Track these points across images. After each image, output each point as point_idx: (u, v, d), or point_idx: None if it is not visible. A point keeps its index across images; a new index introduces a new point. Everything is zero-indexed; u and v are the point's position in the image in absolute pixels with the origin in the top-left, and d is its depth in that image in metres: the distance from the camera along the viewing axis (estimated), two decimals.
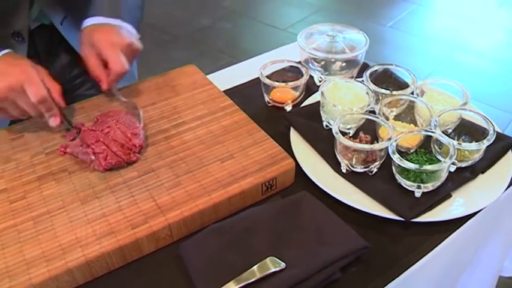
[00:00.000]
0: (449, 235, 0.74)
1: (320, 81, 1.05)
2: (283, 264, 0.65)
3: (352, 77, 1.04)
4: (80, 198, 0.75)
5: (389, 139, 0.77)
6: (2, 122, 0.93)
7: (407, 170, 0.75)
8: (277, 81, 0.97)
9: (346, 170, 0.81)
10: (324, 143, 0.86)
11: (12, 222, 0.72)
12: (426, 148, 0.82)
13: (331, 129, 0.81)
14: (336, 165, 0.82)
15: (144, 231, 0.69)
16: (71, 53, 1.04)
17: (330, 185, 0.79)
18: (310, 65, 1.05)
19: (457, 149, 0.76)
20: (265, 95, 1.01)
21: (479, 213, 0.76)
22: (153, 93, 0.97)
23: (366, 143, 0.82)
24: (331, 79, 0.93)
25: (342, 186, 0.79)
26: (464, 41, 3.01)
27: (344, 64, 1.03)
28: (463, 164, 0.81)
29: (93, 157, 0.79)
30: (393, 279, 0.68)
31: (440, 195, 0.76)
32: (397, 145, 0.77)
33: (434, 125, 0.80)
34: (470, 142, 0.81)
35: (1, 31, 0.92)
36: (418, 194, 0.76)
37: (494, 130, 0.79)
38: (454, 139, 0.79)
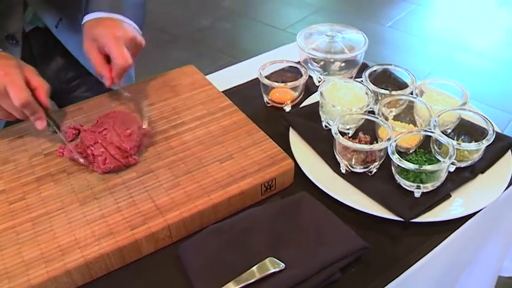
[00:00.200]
0: (448, 235, 0.74)
1: (319, 82, 1.05)
2: (282, 265, 0.65)
3: (351, 77, 1.04)
4: (78, 199, 0.75)
5: (389, 139, 0.77)
6: None
7: (407, 170, 0.75)
8: (276, 82, 0.97)
9: (346, 170, 0.81)
10: (323, 144, 0.86)
11: (11, 224, 0.71)
12: (425, 148, 0.82)
13: (330, 129, 0.80)
14: (335, 166, 0.82)
15: (143, 232, 0.69)
16: (66, 55, 1.03)
17: (329, 185, 0.79)
18: (309, 65, 1.04)
19: (457, 149, 0.76)
20: (264, 96, 1.00)
21: (478, 214, 0.76)
22: (152, 94, 0.97)
23: (365, 143, 0.82)
24: (330, 79, 0.92)
25: (341, 186, 0.79)
26: (464, 41, 3.01)
27: (343, 64, 1.03)
28: (463, 164, 0.81)
29: (84, 160, 0.78)
30: (393, 280, 0.68)
31: (439, 195, 0.76)
32: (396, 145, 0.77)
33: (434, 125, 0.80)
34: (470, 142, 0.81)
35: None
36: (417, 194, 0.76)
37: (493, 130, 0.79)
38: (453, 139, 0.79)
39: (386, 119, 0.86)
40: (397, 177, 0.77)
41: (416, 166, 0.73)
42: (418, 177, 0.75)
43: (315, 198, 0.76)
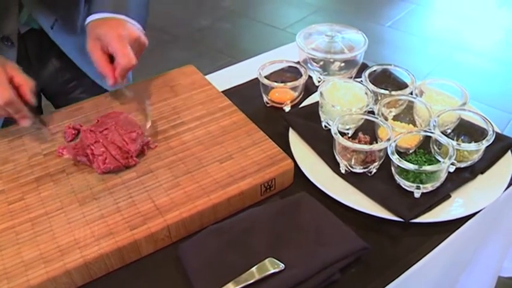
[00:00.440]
0: (448, 236, 0.74)
1: (319, 82, 1.05)
2: (282, 266, 0.65)
3: (351, 77, 1.04)
4: (78, 200, 0.74)
5: (389, 139, 0.77)
6: None
7: (407, 171, 0.75)
8: (275, 82, 0.97)
9: (345, 170, 0.81)
10: (322, 144, 0.86)
11: (10, 224, 0.71)
12: (425, 148, 0.82)
13: (330, 129, 0.80)
14: (335, 166, 0.82)
15: (142, 232, 0.69)
16: (62, 57, 1.02)
17: (329, 185, 0.79)
18: (309, 65, 1.04)
19: (456, 149, 0.76)
20: (264, 96, 1.00)
21: (478, 214, 0.76)
22: (152, 94, 0.97)
23: (365, 143, 0.82)
24: (330, 79, 0.92)
25: (341, 186, 0.79)
26: (464, 41, 3.01)
27: (343, 64, 1.03)
28: (462, 165, 0.81)
29: (87, 159, 0.78)
30: (393, 280, 0.68)
31: (439, 195, 0.76)
32: (396, 145, 0.77)
33: (434, 125, 0.80)
34: (470, 142, 0.81)
35: None
36: (417, 194, 0.76)
37: (493, 130, 0.79)
38: (453, 139, 0.79)
39: (386, 119, 0.86)
40: (396, 177, 0.77)
41: (416, 166, 0.73)
42: (417, 177, 0.75)
43: (314, 199, 0.76)
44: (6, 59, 0.82)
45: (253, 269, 0.65)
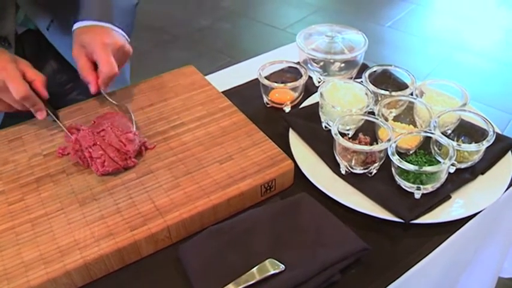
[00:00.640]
0: (449, 236, 0.74)
1: (319, 82, 1.05)
2: (282, 267, 0.65)
3: (351, 78, 1.03)
4: (78, 200, 0.74)
5: (389, 140, 0.77)
6: None
7: (407, 171, 0.75)
8: (276, 82, 0.97)
9: (346, 171, 0.81)
10: (323, 144, 0.85)
11: (10, 225, 0.71)
12: (426, 149, 0.82)
13: (330, 130, 0.80)
14: (335, 167, 0.82)
15: (142, 233, 0.69)
16: (59, 59, 1.03)
17: (329, 186, 0.79)
18: (309, 65, 1.04)
19: (457, 150, 0.76)
20: (264, 96, 1.00)
21: (478, 215, 0.76)
22: (151, 94, 0.97)
23: (365, 144, 0.82)
24: (330, 80, 0.92)
25: (341, 187, 0.79)
26: (464, 41, 3.01)
27: (343, 65, 1.03)
28: (463, 165, 0.81)
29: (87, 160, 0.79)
30: (393, 281, 0.68)
31: (439, 196, 0.76)
32: (396, 146, 0.77)
33: (434, 126, 0.80)
34: (470, 143, 0.81)
35: None
36: (417, 195, 0.76)
37: (493, 131, 0.79)
38: (453, 140, 0.79)
39: (386, 119, 0.86)
40: (397, 178, 0.77)
41: (417, 167, 0.73)
42: (418, 178, 0.75)
43: (314, 199, 0.76)
44: (17, 56, 0.85)
45: (254, 269, 0.65)
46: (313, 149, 0.86)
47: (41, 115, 0.86)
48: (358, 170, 0.80)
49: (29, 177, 0.79)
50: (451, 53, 2.89)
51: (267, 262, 0.66)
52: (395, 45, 3.02)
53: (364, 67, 1.03)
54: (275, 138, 0.85)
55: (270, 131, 0.87)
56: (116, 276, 0.69)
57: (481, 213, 0.76)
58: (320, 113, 0.90)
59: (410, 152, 0.83)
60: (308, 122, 0.91)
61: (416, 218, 0.73)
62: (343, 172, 0.81)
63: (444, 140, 0.77)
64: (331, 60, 1.02)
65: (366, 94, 0.88)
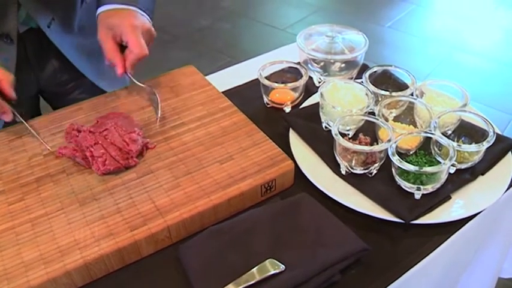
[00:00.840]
0: (449, 237, 0.74)
1: (319, 82, 1.05)
2: (282, 267, 0.65)
3: (351, 78, 1.03)
4: (78, 200, 0.74)
5: (389, 141, 0.77)
6: None
7: (407, 172, 0.75)
8: (276, 82, 0.97)
9: (346, 171, 0.81)
10: (323, 145, 0.85)
11: (10, 225, 0.71)
12: (426, 150, 0.82)
13: (330, 130, 0.80)
14: (335, 167, 0.82)
15: (142, 233, 0.69)
16: (61, 58, 1.03)
17: (330, 186, 0.79)
18: (309, 66, 1.04)
19: (457, 150, 0.76)
20: (264, 96, 1.00)
21: (479, 215, 0.76)
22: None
23: (366, 144, 0.82)
24: (331, 80, 0.92)
25: (342, 187, 0.79)
26: (463, 41, 3.01)
27: (343, 65, 1.03)
28: (463, 166, 0.81)
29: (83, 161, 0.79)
30: (393, 281, 0.68)
31: (440, 197, 0.76)
32: (396, 147, 0.77)
33: (434, 126, 0.80)
34: (470, 144, 0.81)
35: None
36: (417, 195, 0.76)
37: (494, 132, 0.79)
38: (453, 141, 0.79)
39: (387, 120, 0.86)
40: (397, 178, 0.77)
41: (417, 168, 0.73)
42: (418, 178, 0.75)
43: (315, 200, 0.76)
44: None
45: (254, 270, 0.65)
46: (314, 149, 0.86)
47: (6, 118, 0.83)
48: (359, 171, 0.80)
49: (29, 177, 0.79)
50: (451, 54, 2.89)
51: (267, 262, 0.66)
52: (395, 45, 3.02)
53: (364, 67, 1.03)
54: (275, 138, 0.85)
55: (270, 131, 0.87)
56: (116, 276, 0.69)
57: (481, 213, 0.76)
58: (320, 113, 0.90)
59: (411, 153, 0.83)
60: (308, 122, 0.91)
61: (417, 218, 0.73)
62: (343, 172, 0.81)
63: (444, 141, 0.77)
64: (332, 61, 1.02)
65: (366, 94, 0.88)
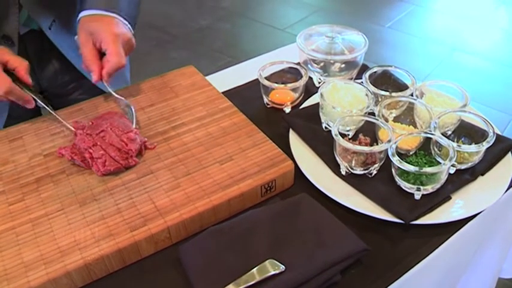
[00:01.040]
0: (449, 237, 0.74)
1: (319, 83, 1.05)
2: (282, 267, 0.65)
3: (351, 79, 1.03)
4: (78, 201, 0.74)
5: (389, 141, 0.77)
6: None
7: (407, 172, 0.75)
8: (276, 83, 0.97)
9: (346, 172, 0.81)
10: (323, 145, 0.85)
11: (11, 225, 0.71)
12: (426, 150, 0.82)
13: (330, 131, 0.80)
14: (335, 167, 0.82)
15: (143, 233, 0.69)
16: (61, 59, 1.03)
17: (329, 187, 0.79)
18: (309, 66, 1.04)
19: (457, 151, 0.76)
20: (264, 97, 1.00)
21: (479, 215, 0.76)
22: (152, 94, 0.97)
23: (366, 145, 0.82)
24: (331, 80, 0.92)
25: (341, 188, 0.79)
26: (463, 41, 3.01)
27: (343, 65, 1.03)
28: (463, 166, 0.81)
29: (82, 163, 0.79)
30: (393, 282, 0.68)
31: (439, 197, 0.76)
32: (396, 147, 0.77)
33: (434, 126, 0.80)
34: (470, 144, 0.81)
35: None
36: (417, 196, 0.76)
37: (494, 132, 0.79)
38: (453, 141, 0.79)
39: (387, 120, 0.86)
40: (397, 179, 0.77)
41: (417, 168, 0.73)
42: (418, 179, 0.75)
43: (315, 200, 0.76)
44: None
45: (254, 270, 0.65)
46: (314, 149, 0.86)
47: (29, 106, 0.86)
48: (358, 171, 0.80)
49: (29, 177, 0.79)
50: (451, 54, 2.89)
51: (267, 263, 0.66)
52: (395, 46, 3.03)
53: (364, 68, 1.03)
54: (275, 138, 0.85)
55: (270, 132, 0.87)
56: (116, 276, 0.69)
57: (481, 214, 0.76)
58: (320, 114, 0.90)
59: (411, 153, 0.83)
60: (308, 122, 0.91)
61: (417, 218, 0.73)
62: (343, 173, 0.81)
63: (444, 141, 0.77)
64: (332, 61, 1.02)
65: (366, 95, 0.88)
